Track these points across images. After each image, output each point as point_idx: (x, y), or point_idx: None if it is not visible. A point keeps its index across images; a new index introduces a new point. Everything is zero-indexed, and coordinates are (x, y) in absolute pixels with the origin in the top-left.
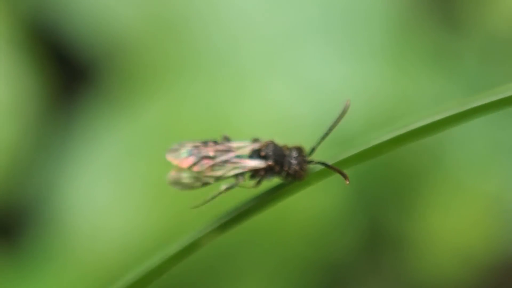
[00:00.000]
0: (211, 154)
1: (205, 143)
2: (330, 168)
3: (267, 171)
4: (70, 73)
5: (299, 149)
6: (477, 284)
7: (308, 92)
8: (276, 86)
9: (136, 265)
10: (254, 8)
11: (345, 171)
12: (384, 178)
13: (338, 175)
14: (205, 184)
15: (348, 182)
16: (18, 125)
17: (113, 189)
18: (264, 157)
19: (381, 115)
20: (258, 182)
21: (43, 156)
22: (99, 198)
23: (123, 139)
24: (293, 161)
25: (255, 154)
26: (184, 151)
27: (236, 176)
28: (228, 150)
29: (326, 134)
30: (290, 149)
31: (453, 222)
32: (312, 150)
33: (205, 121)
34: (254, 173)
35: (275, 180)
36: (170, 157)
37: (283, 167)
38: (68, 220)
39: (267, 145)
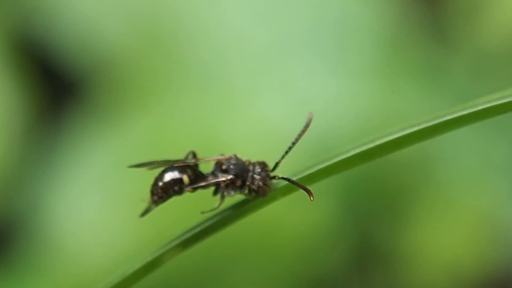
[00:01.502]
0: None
1: (170, 161)
2: (294, 184)
3: (228, 186)
4: (57, 88)
5: (263, 164)
6: None
7: (298, 107)
8: (265, 101)
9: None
10: (243, 23)
11: (310, 187)
12: (374, 193)
13: (303, 192)
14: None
15: (312, 199)
16: (4, 140)
17: (100, 203)
18: (226, 171)
19: (370, 130)
20: (222, 198)
21: (30, 171)
22: (86, 213)
23: (110, 154)
24: (257, 176)
25: (217, 168)
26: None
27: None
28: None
29: (290, 149)
30: (253, 164)
31: (444, 238)
32: (276, 165)
33: (194, 136)
34: (216, 187)
35: (239, 196)
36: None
37: (246, 182)
38: (55, 235)
39: (229, 159)
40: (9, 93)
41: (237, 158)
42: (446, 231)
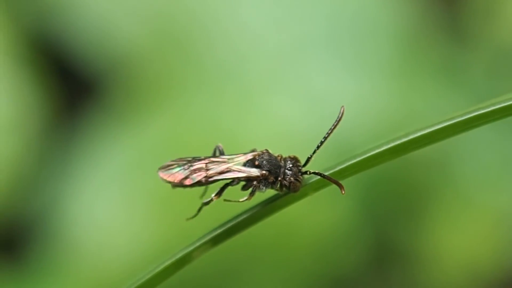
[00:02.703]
0: (203, 166)
1: (197, 158)
2: (326, 179)
3: (261, 181)
4: (73, 88)
5: (294, 160)
6: None
7: (315, 106)
8: (282, 100)
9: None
10: (259, 22)
11: (342, 182)
12: (392, 192)
13: (336, 187)
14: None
15: (343, 192)
16: (21, 140)
17: (116, 204)
18: (259, 167)
19: (389, 129)
20: (252, 193)
21: (47, 171)
22: (103, 212)
23: (127, 154)
24: (288, 172)
25: (250, 164)
26: (175, 167)
27: (230, 182)
28: (222, 162)
29: (322, 143)
30: (285, 159)
31: (462, 238)
32: (308, 160)
33: (210, 135)
34: (247, 183)
35: (270, 192)
36: (162, 174)
37: (278, 178)
38: (73, 234)
39: (262, 154)
40: (26, 92)
41: (269, 154)
42: (464, 230)
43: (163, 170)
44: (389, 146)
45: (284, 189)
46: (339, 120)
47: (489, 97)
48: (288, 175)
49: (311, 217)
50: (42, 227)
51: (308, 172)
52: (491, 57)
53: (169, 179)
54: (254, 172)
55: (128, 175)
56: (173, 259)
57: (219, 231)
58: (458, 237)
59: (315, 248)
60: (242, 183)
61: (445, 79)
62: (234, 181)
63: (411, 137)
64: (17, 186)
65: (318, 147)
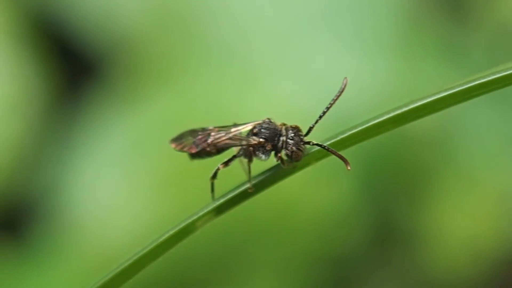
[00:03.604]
0: (208, 133)
1: (207, 128)
2: (330, 151)
3: (259, 149)
4: (75, 68)
5: (296, 129)
6: (488, 279)
7: (316, 86)
8: (284, 80)
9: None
10: (262, 1)
11: (344, 155)
12: (393, 172)
13: (339, 164)
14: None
15: (349, 168)
16: (23, 120)
17: (118, 183)
18: (256, 134)
19: (389, 108)
20: (249, 160)
21: (49, 151)
22: (105, 193)
23: (129, 133)
24: (290, 141)
25: (250, 133)
26: (186, 136)
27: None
28: (227, 131)
29: (324, 113)
30: (286, 128)
31: (464, 217)
32: (309, 130)
33: (211, 114)
34: (245, 150)
35: (270, 163)
36: (173, 144)
37: (278, 146)
38: (74, 215)
39: (261, 123)
40: (27, 73)
41: (269, 122)
42: (466, 209)
43: (174, 140)
44: (390, 115)
45: (286, 159)
46: (342, 91)
47: None
48: (290, 144)
49: (312, 197)
50: (45, 207)
51: (310, 143)
52: (491, 36)
53: (178, 148)
54: (252, 139)
55: (130, 155)
56: (177, 229)
57: (222, 200)
58: (460, 216)
59: (316, 228)
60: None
61: (445, 58)
62: (240, 151)
63: (411, 106)
64: (19, 166)
65: (320, 117)
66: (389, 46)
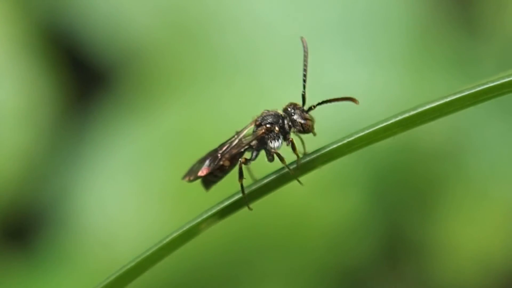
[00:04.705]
0: (222, 151)
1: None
2: (334, 101)
3: (270, 136)
4: (85, 78)
5: (293, 105)
6: None
7: (327, 97)
8: (294, 91)
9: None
10: (271, 12)
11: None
12: (403, 183)
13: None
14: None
15: (358, 103)
16: (34, 130)
17: (128, 194)
18: (260, 125)
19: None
20: (271, 155)
21: (59, 161)
22: (114, 204)
23: (138, 144)
24: (295, 116)
25: (255, 128)
26: (198, 165)
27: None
28: (231, 139)
29: (305, 75)
30: (284, 109)
31: (474, 229)
32: (303, 98)
33: (221, 126)
34: (259, 145)
35: (275, 165)
36: (187, 178)
37: (285, 127)
38: (83, 225)
39: (261, 115)
40: (38, 83)
41: (267, 110)
42: (476, 222)
43: (186, 175)
44: (397, 119)
45: (299, 134)
46: (306, 50)
47: None
48: (296, 120)
49: (322, 208)
50: (53, 217)
51: (312, 107)
52: (502, 50)
53: (192, 178)
54: (259, 130)
55: (139, 166)
56: (180, 231)
57: (226, 203)
58: (470, 228)
59: (326, 238)
60: (263, 155)
61: (457, 71)
62: (244, 153)
63: (418, 110)
64: (29, 176)
65: (304, 81)
66: (401, 58)
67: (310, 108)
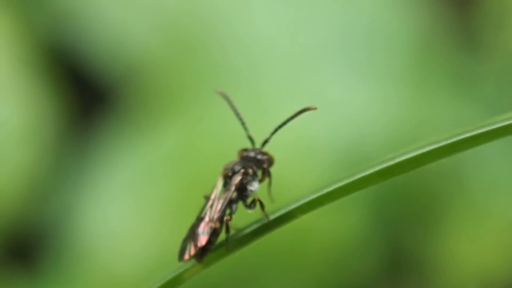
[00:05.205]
0: (209, 217)
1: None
2: (289, 121)
3: (248, 179)
4: (88, 96)
5: (244, 148)
6: None
7: (327, 114)
8: (294, 108)
9: None
10: (272, 30)
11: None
12: (405, 200)
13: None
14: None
15: (315, 108)
16: (36, 148)
17: (130, 212)
18: (234, 174)
19: (400, 138)
20: (253, 202)
21: (61, 179)
22: (116, 222)
23: (141, 162)
24: (258, 156)
25: (228, 180)
26: (189, 241)
27: (229, 206)
28: (212, 201)
29: (240, 119)
30: (241, 156)
31: (476, 246)
32: (251, 139)
33: (223, 143)
34: (238, 194)
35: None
36: (184, 257)
37: (254, 168)
38: (85, 244)
39: (225, 168)
40: (41, 100)
41: (228, 162)
42: (478, 238)
43: (180, 255)
44: (394, 161)
45: (267, 172)
46: (230, 101)
47: (500, 107)
48: (260, 159)
49: (322, 224)
50: (56, 235)
51: (267, 140)
52: (503, 67)
53: (191, 254)
54: (235, 180)
55: (142, 184)
56: (164, 280)
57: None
58: (472, 245)
59: (327, 255)
60: (240, 204)
61: (457, 89)
62: (226, 206)
63: (430, 148)
64: (32, 194)
65: (243, 124)
66: (401, 74)
67: (265, 142)
